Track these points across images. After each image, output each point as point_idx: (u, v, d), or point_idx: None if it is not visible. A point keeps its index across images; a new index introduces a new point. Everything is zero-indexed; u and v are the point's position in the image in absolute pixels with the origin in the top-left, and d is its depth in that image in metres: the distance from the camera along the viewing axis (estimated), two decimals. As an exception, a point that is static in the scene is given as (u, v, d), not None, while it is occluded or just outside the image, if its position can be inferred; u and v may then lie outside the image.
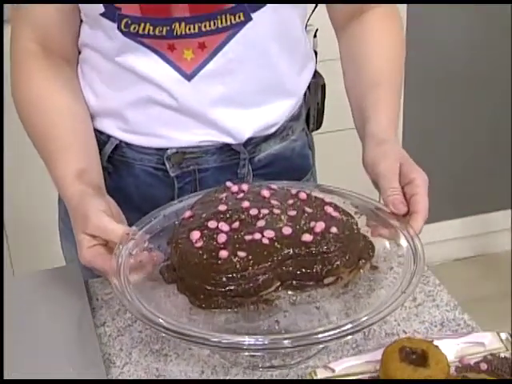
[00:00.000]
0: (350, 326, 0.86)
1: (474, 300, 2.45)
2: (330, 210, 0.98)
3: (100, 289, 1.10)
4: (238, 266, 0.89)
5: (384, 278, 0.97)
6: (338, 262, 0.93)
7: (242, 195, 1.01)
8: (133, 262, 0.95)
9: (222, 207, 0.98)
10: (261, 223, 0.94)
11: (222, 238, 0.92)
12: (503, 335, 0.86)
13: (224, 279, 0.89)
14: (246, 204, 0.98)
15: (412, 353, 0.81)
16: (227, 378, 0.95)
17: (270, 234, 0.93)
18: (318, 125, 1.33)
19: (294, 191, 1.02)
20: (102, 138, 1.17)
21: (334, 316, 1.00)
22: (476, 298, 2.45)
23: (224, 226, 0.94)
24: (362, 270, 0.96)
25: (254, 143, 1.19)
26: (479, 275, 2.65)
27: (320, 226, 0.94)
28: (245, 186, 1.03)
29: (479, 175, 2.70)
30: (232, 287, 0.90)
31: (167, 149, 1.15)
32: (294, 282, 0.93)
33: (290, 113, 1.21)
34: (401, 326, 1.02)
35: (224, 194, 1.01)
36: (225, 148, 1.17)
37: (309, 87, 1.26)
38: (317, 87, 1.29)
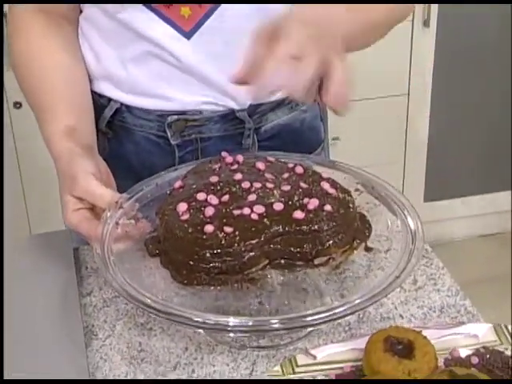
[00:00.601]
0: (341, 309, 0.81)
1: (494, 277, 2.40)
2: (326, 186, 0.93)
3: (90, 257, 1.06)
4: (223, 242, 0.85)
5: (379, 259, 0.93)
6: (330, 242, 0.88)
7: (235, 167, 0.96)
8: (119, 232, 0.92)
9: (214, 178, 0.93)
10: (252, 197, 0.90)
11: (209, 211, 0.88)
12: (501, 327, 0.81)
13: (208, 255, 0.85)
14: (238, 176, 0.93)
15: (398, 343, 0.76)
16: (211, 356, 0.91)
17: (259, 209, 0.88)
18: None
19: (290, 165, 0.97)
20: (101, 101, 1.13)
21: (325, 297, 0.96)
22: (496, 275, 2.40)
23: (213, 199, 0.90)
24: (355, 251, 0.91)
25: (260, 112, 1.14)
26: (502, 252, 2.57)
27: (313, 203, 0.89)
28: (240, 157, 0.98)
29: (507, 150, 2.62)
30: (216, 264, 0.85)
31: (168, 115, 1.11)
32: (283, 260, 0.88)
33: None
34: (398, 309, 0.97)
35: (218, 165, 0.97)
36: (229, 116, 1.12)
37: None
38: None
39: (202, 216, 0.88)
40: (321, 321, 0.81)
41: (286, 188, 0.92)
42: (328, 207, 0.89)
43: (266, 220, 0.87)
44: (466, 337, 0.80)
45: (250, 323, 0.81)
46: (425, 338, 0.77)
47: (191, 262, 0.86)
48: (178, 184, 0.94)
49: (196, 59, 1.06)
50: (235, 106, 1.11)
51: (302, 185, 0.92)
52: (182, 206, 0.89)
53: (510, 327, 0.80)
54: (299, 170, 0.96)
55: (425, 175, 2.61)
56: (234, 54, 1.04)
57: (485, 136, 2.60)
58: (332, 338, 0.93)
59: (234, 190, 0.91)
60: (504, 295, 2.14)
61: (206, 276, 0.86)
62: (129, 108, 1.12)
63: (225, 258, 0.85)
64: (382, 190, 0.99)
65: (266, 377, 0.76)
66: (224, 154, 0.99)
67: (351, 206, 0.92)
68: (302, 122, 1.19)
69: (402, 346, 0.76)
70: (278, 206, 0.89)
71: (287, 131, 1.17)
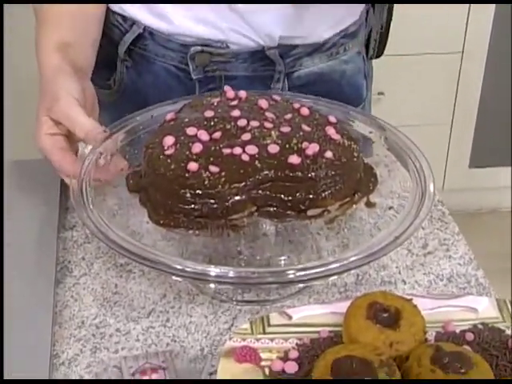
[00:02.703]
0: (335, 265, 0.73)
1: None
2: (331, 131, 0.84)
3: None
4: (206, 183, 0.77)
5: (388, 217, 0.84)
6: (326, 193, 0.79)
7: (235, 102, 0.87)
8: (99, 165, 0.84)
9: (209, 113, 0.85)
10: (246, 136, 0.81)
11: (196, 147, 0.79)
12: (505, 302, 0.72)
13: (188, 195, 0.77)
14: (236, 113, 0.84)
15: (383, 310, 0.68)
16: (190, 306, 0.84)
17: (252, 150, 0.79)
18: (379, 52, 1.16)
19: (296, 105, 0.88)
20: (124, 26, 1.05)
21: (323, 253, 0.88)
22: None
23: (203, 135, 0.81)
24: (355, 205, 0.82)
25: (294, 55, 1.04)
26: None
27: (313, 148, 0.80)
28: (243, 93, 0.89)
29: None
30: (196, 206, 0.77)
31: (192, 45, 1.02)
32: (272, 209, 0.80)
33: (337, 23, 1.05)
34: (401, 274, 0.89)
35: (217, 99, 0.88)
36: (258, 54, 1.03)
37: (373, 5, 1.09)
38: (383, 7, 1.12)
39: (187, 152, 0.79)
40: (307, 277, 0.73)
41: (286, 129, 0.83)
42: (329, 154, 0.80)
43: (257, 162, 0.79)
44: (464, 310, 0.71)
45: (231, 274, 0.73)
46: (414, 307, 0.68)
47: (170, 202, 0.78)
48: (169, 116, 0.86)
49: None
50: (261, 42, 1.02)
51: (305, 127, 0.83)
52: (169, 140, 0.81)
53: (515, 304, 0.71)
54: (304, 111, 0.87)
55: (472, 140, 2.48)
56: None
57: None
58: (325, 298, 0.85)
59: (228, 127, 0.83)
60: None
61: (184, 218, 0.78)
62: (152, 34, 1.04)
63: (206, 200, 0.77)
64: (403, 147, 0.89)
65: (233, 334, 0.68)
66: (227, 87, 0.90)
67: (355, 155, 0.83)
68: (341, 74, 1.10)
69: (388, 314, 0.67)
70: (273, 149, 0.80)
71: (323, 82, 1.08)
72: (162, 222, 0.79)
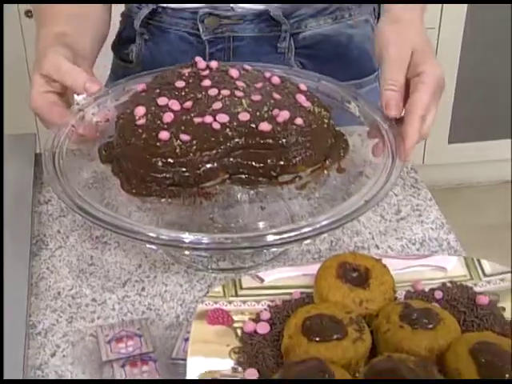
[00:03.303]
0: (307, 229, 0.74)
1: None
2: (302, 99, 0.84)
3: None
4: (177, 151, 0.78)
5: (360, 183, 0.85)
6: (297, 159, 0.80)
7: (206, 72, 0.88)
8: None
9: (180, 84, 0.85)
10: (217, 105, 0.82)
11: (167, 117, 0.80)
12: (472, 261, 0.73)
13: (160, 164, 0.78)
14: (207, 83, 0.85)
15: (353, 270, 0.69)
16: (165, 275, 0.85)
17: (223, 118, 0.80)
18: None
19: (267, 74, 0.89)
20: (137, 5, 1.10)
21: (296, 220, 0.89)
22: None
23: (175, 105, 0.82)
24: (326, 171, 0.83)
25: (298, 16, 1.07)
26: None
27: (284, 115, 0.80)
28: (214, 64, 0.89)
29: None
30: (168, 174, 0.78)
31: (200, 9, 1.06)
32: (244, 176, 0.80)
33: None
34: (375, 239, 0.90)
35: (188, 70, 0.89)
36: (263, 15, 1.06)
37: None
38: None
39: (159, 122, 0.80)
40: (280, 241, 0.74)
41: (257, 98, 0.83)
42: (299, 121, 0.81)
43: (228, 130, 0.79)
44: (433, 269, 0.72)
45: (206, 240, 0.74)
46: (384, 266, 0.69)
47: (141, 171, 0.79)
48: (140, 87, 0.87)
49: None
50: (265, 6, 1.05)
51: (275, 96, 0.84)
52: (140, 110, 0.82)
53: (483, 261, 0.72)
54: (275, 80, 0.87)
55: (450, 116, 2.49)
56: None
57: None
58: (300, 264, 0.86)
59: (199, 96, 0.83)
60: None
61: (157, 187, 0.79)
62: (164, 9, 1.08)
63: (178, 168, 0.78)
64: (376, 116, 0.90)
65: (206, 298, 0.69)
66: (198, 58, 0.90)
67: (326, 121, 0.83)
68: (349, 38, 1.11)
69: (357, 273, 0.68)
70: (244, 116, 0.81)
71: (331, 44, 1.09)
72: (134, 191, 0.79)
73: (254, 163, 0.80)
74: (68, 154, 0.83)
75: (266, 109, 0.82)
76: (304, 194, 0.87)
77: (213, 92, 0.84)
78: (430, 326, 0.63)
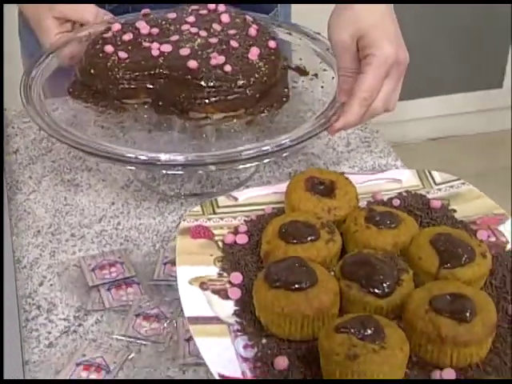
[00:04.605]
0: (269, 147, 0.80)
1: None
2: (253, 52, 0.88)
3: (17, 117, 1.04)
4: (108, 64, 0.86)
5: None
6: (206, 101, 0.85)
7: (205, 11, 0.95)
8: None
9: (172, 15, 0.94)
10: (174, 38, 0.89)
11: (127, 36, 0.89)
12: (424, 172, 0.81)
13: (92, 72, 0.87)
14: (191, 19, 0.93)
15: (319, 183, 0.75)
16: (138, 210, 0.90)
17: (165, 48, 0.87)
18: None
19: (252, 29, 0.93)
20: None
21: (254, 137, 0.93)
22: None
23: (144, 29, 0.90)
24: (235, 120, 0.88)
25: None
26: (454, 156, 2.58)
27: (218, 60, 0.87)
28: (212, 6, 0.96)
29: (463, 52, 2.59)
30: (98, 85, 0.87)
31: None
32: (160, 102, 0.87)
33: None
34: (329, 169, 0.97)
35: (191, 7, 0.96)
36: None
37: None
38: None
39: (118, 38, 0.88)
40: (250, 156, 0.80)
41: (213, 40, 0.89)
42: (228, 68, 0.86)
43: (161, 59, 0.86)
44: (390, 182, 0.80)
45: (181, 158, 0.80)
46: (346, 179, 0.76)
47: (81, 78, 0.88)
48: (143, 11, 0.96)
49: None
50: None
51: (233, 43, 0.89)
52: (116, 26, 0.90)
53: (433, 172, 0.80)
54: (252, 31, 0.92)
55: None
56: None
57: (442, 38, 2.56)
58: (262, 192, 0.93)
59: (171, 28, 0.91)
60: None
61: (88, 92, 0.88)
62: None
63: (104, 81, 0.86)
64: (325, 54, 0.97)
65: (187, 217, 0.74)
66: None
67: (257, 76, 0.88)
68: None
69: (324, 186, 0.75)
70: (185, 51, 0.87)
71: None
72: (70, 90, 0.89)
73: (168, 94, 0.86)
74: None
75: (209, 51, 0.88)
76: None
77: (185, 27, 0.91)
78: (393, 225, 0.70)
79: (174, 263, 0.79)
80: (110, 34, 0.89)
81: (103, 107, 0.87)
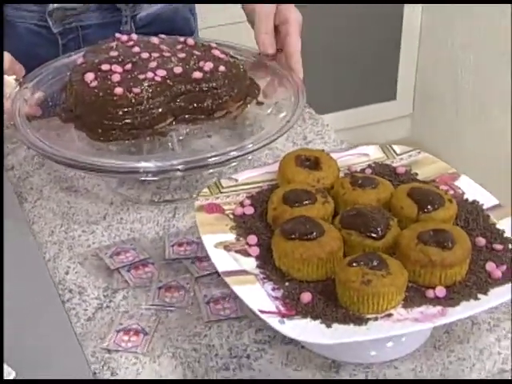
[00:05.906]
0: (235, 153, 0.94)
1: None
2: (217, 52, 1.04)
3: (6, 138, 1.13)
4: (133, 101, 0.96)
5: (269, 112, 1.05)
6: (227, 97, 1.01)
7: (132, 43, 1.06)
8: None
9: (114, 53, 1.02)
10: (153, 64, 1.00)
11: (116, 77, 0.98)
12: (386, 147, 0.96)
13: (120, 113, 0.96)
14: (136, 49, 1.03)
15: (306, 160, 0.89)
16: (136, 206, 1.02)
17: (161, 72, 0.99)
18: None
19: (181, 38, 1.08)
20: None
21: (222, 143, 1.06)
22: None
23: (117, 68, 0.99)
24: (248, 106, 1.03)
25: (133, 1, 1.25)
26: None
27: (209, 65, 1.01)
28: (134, 36, 1.08)
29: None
30: (128, 120, 0.96)
31: (48, 2, 1.19)
32: (187, 116, 1.00)
33: None
34: (293, 160, 1.11)
35: (114, 43, 1.06)
36: (104, 5, 1.23)
37: None
38: None
39: (109, 82, 0.97)
40: (220, 160, 0.92)
41: (182, 55, 1.03)
42: (222, 68, 1.01)
43: (168, 81, 0.99)
44: (359, 156, 0.95)
45: (159, 164, 0.92)
46: (328, 154, 0.91)
47: (105, 122, 0.96)
48: (80, 60, 1.04)
49: None
50: None
51: (196, 52, 1.04)
52: (90, 76, 0.98)
53: (393, 146, 0.96)
54: (190, 41, 1.07)
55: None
56: None
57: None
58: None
59: (134, 60, 1.01)
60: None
61: (119, 132, 0.97)
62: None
63: (136, 115, 0.97)
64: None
65: (197, 197, 0.87)
66: (118, 35, 1.08)
67: (241, 67, 1.04)
68: (174, 11, 1.31)
69: (310, 161, 0.89)
70: (178, 70, 1.00)
71: (162, 20, 1.29)
72: (102, 138, 0.97)
73: (194, 105, 1.00)
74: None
75: (193, 62, 1.02)
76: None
77: (144, 55, 1.02)
78: (374, 186, 0.85)
79: (180, 244, 0.93)
80: (95, 83, 0.97)
81: (136, 138, 0.97)
